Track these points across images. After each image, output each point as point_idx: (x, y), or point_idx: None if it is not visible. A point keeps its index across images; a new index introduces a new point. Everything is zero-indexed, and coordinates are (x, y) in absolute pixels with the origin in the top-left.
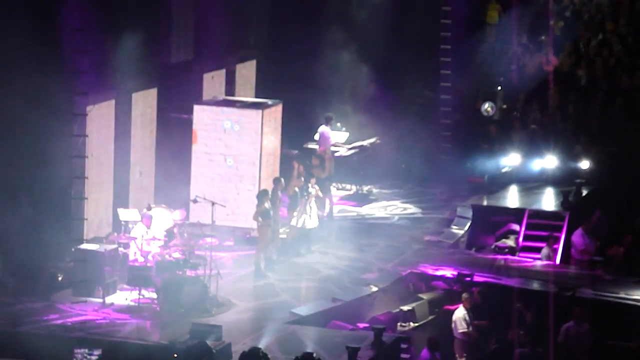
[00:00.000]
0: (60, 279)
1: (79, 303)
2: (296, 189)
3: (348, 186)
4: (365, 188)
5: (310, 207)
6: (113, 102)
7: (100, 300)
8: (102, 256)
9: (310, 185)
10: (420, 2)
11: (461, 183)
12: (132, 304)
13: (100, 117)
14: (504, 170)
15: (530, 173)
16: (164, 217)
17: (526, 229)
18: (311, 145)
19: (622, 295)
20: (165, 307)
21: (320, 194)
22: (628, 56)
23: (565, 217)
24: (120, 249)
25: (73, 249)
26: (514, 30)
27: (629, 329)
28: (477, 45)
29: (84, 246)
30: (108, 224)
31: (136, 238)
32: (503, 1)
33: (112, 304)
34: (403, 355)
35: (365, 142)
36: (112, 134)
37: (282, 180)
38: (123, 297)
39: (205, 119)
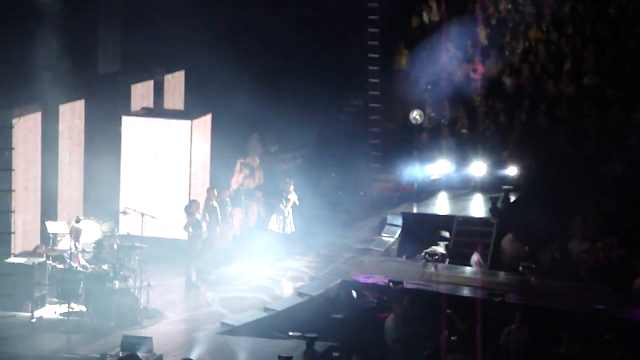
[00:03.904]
0: None
1: (6, 317)
2: (239, 186)
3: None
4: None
5: (288, 212)
6: (39, 114)
7: (29, 314)
8: (30, 270)
9: (289, 191)
10: (346, 12)
11: (391, 191)
12: (62, 317)
13: (26, 129)
14: (433, 177)
15: (459, 180)
16: (93, 229)
17: (456, 235)
18: (242, 159)
19: (550, 300)
20: (95, 319)
21: (297, 201)
22: (553, 63)
23: (494, 223)
24: (49, 262)
25: (0, 263)
26: (442, 38)
27: (557, 333)
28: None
29: (12, 260)
30: (36, 238)
31: (65, 251)
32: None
33: (41, 317)
34: None
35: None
36: (38, 147)
37: (215, 190)
38: (52, 310)
39: (134, 130)
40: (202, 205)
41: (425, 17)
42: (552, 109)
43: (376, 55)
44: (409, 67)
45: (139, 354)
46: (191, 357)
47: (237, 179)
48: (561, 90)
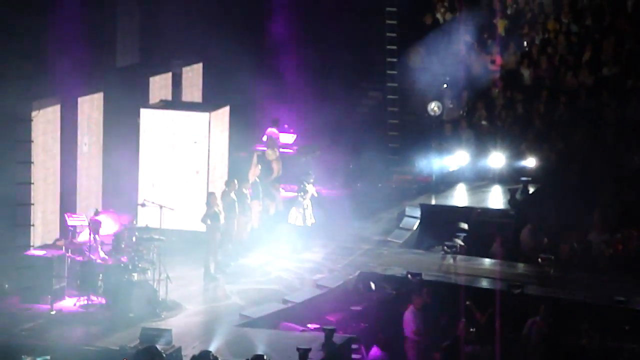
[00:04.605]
0: (6, 287)
1: (26, 310)
2: (256, 178)
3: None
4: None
5: (307, 205)
6: (58, 107)
7: (49, 306)
8: (49, 262)
9: (306, 183)
10: (364, 3)
11: (409, 182)
12: (81, 309)
13: (45, 122)
14: (451, 169)
15: (477, 171)
16: (112, 222)
17: (474, 227)
18: (260, 148)
19: (570, 291)
20: (114, 312)
21: (315, 193)
22: (572, 54)
23: (513, 215)
24: (68, 254)
25: (20, 256)
26: (460, 29)
27: (577, 325)
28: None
29: (31, 252)
30: (55, 230)
31: (84, 243)
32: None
33: (60, 310)
34: (354, 356)
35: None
36: (58, 139)
37: (235, 181)
38: (72, 302)
39: (152, 122)
40: (220, 197)
41: (439, 16)
42: (571, 100)
43: (394, 47)
44: (427, 60)
45: (158, 346)
46: (210, 349)
47: (254, 172)
48: (580, 82)
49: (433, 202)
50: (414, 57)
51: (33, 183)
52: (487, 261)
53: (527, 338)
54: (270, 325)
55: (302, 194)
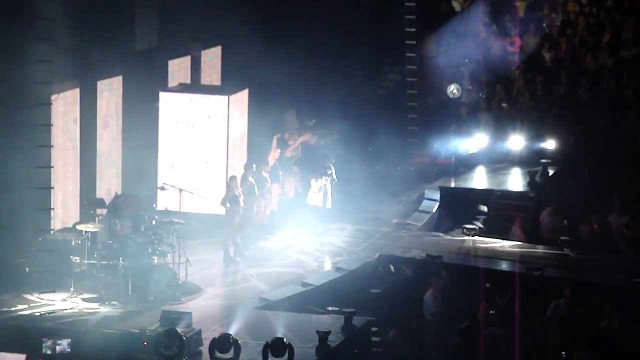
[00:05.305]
0: (27, 270)
1: (47, 293)
2: (276, 161)
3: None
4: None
5: (327, 187)
6: (78, 90)
7: (69, 289)
8: (70, 245)
9: (328, 165)
10: None
11: (428, 165)
12: (101, 292)
13: (65, 105)
14: (470, 151)
15: (496, 154)
16: (132, 205)
17: (494, 209)
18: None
19: (589, 274)
20: (134, 295)
21: (335, 176)
22: (592, 36)
23: (533, 197)
24: (88, 237)
25: (40, 239)
26: (479, 11)
27: (597, 307)
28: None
29: (51, 236)
30: (75, 214)
31: (104, 227)
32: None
33: (80, 293)
34: (373, 339)
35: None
36: (77, 123)
37: (254, 165)
38: (92, 286)
39: (171, 106)
40: (239, 181)
41: (455, 5)
42: (591, 82)
43: (413, 30)
44: (445, 43)
45: (178, 329)
46: (229, 332)
47: (274, 155)
48: (600, 63)
49: (452, 184)
50: (428, 46)
51: (53, 167)
52: (506, 244)
53: (548, 320)
54: (289, 308)
55: (328, 174)
